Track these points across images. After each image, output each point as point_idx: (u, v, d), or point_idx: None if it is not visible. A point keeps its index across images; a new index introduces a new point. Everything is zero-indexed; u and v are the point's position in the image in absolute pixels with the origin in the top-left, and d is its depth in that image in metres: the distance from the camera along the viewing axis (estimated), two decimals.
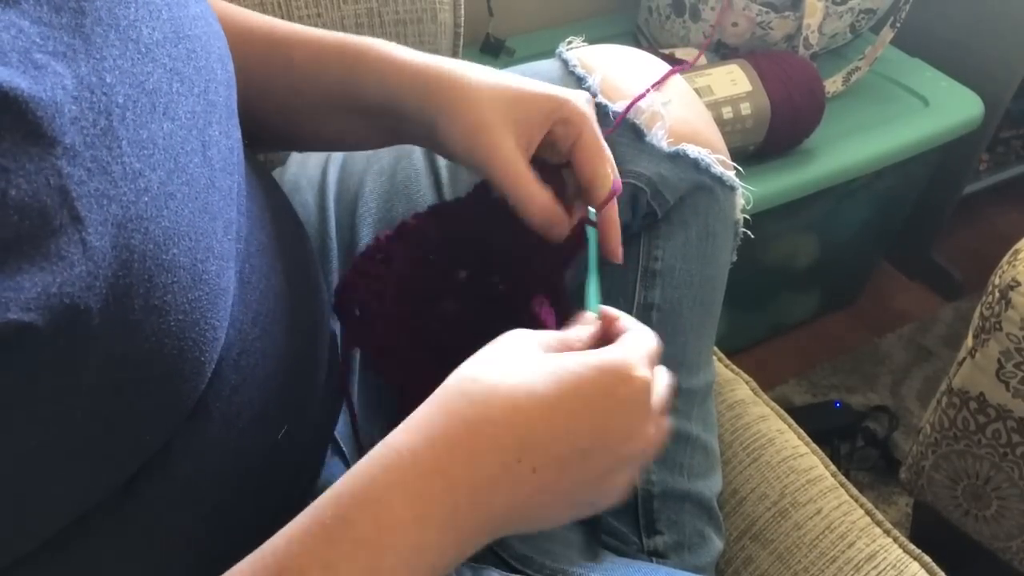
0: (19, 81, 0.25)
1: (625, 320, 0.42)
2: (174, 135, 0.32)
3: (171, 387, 0.31)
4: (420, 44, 0.79)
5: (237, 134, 0.40)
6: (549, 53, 0.62)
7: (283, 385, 0.41)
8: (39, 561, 0.30)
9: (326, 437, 0.52)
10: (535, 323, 0.44)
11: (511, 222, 0.45)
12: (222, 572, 0.33)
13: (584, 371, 0.36)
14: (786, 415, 0.70)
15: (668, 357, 0.57)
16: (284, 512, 0.35)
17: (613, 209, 0.47)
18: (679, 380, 0.58)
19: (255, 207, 0.42)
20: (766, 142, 1.06)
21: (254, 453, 0.39)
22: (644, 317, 0.57)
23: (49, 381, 0.26)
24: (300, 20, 0.73)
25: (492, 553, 0.54)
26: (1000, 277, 0.79)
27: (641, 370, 0.37)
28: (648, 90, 0.56)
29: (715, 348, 0.70)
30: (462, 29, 0.81)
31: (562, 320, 0.44)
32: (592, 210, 0.47)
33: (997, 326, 0.78)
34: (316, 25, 0.74)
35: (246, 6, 0.71)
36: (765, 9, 1.10)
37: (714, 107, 0.99)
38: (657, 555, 0.56)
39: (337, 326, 0.60)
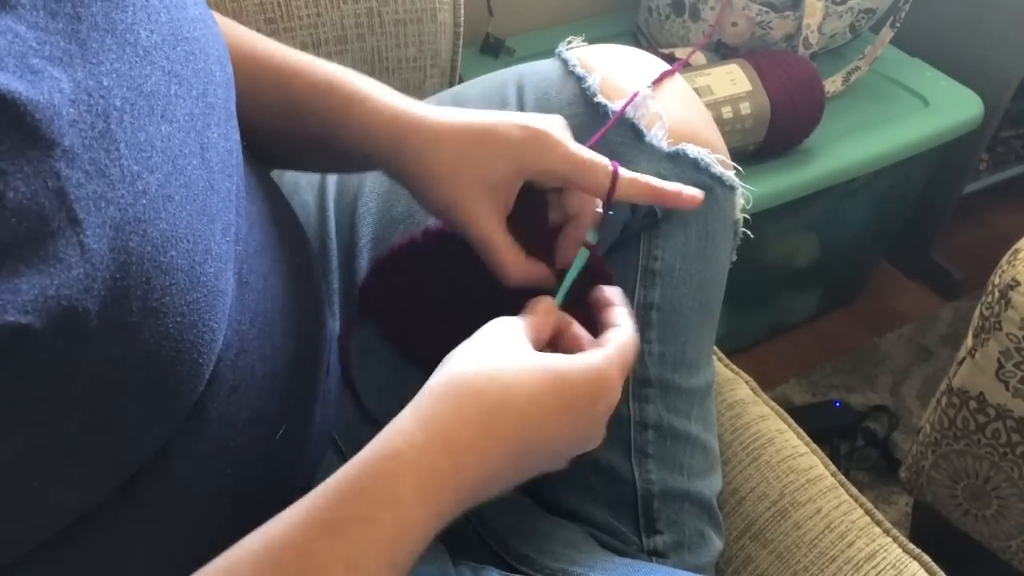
0: (16, 85, 0.25)
1: (616, 315, 0.45)
2: (172, 137, 0.32)
3: (169, 389, 0.31)
4: (420, 44, 0.79)
5: (236, 136, 0.40)
6: (549, 53, 0.62)
7: (281, 385, 0.41)
8: (39, 561, 0.30)
9: (325, 437, 0.52)
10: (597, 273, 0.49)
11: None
12: None
13: (575, 379, 0.40)
14: (786, 415, 0.70)
15: (668, 357, 0.57)
16: (283, 511, 0.35)
17: (634, 180, 0.49)
18: (679, 380, 0.58)
19: (253, 208, 0.42)
20: (766, 142, 1.06)
21: (252, 453, 0.39)
22: (644, 317, 0.57)
23: (47, 383, 0.26)
24: (300, 20, 0.73)
25: (492, 553, 0.54)
26: (1000, 277, 0.79)
27: (617, 385, 0.41)
28: (637, 93, 0.56)
29: (715, 348, 0.70)
30: (462, 29, 0.81)
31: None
32: (591, 233, 0.50)
33: (997, 326, 0.78)
34: (316, 25, 0.74)
35: (246, 6, 0.71)
36: (765, 9, 1.10)
37: (714, 107, 0.99)
38: (657, 555, 0.56)
39: (336, 326, 0.60)
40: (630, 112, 0.56)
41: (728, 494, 0.64)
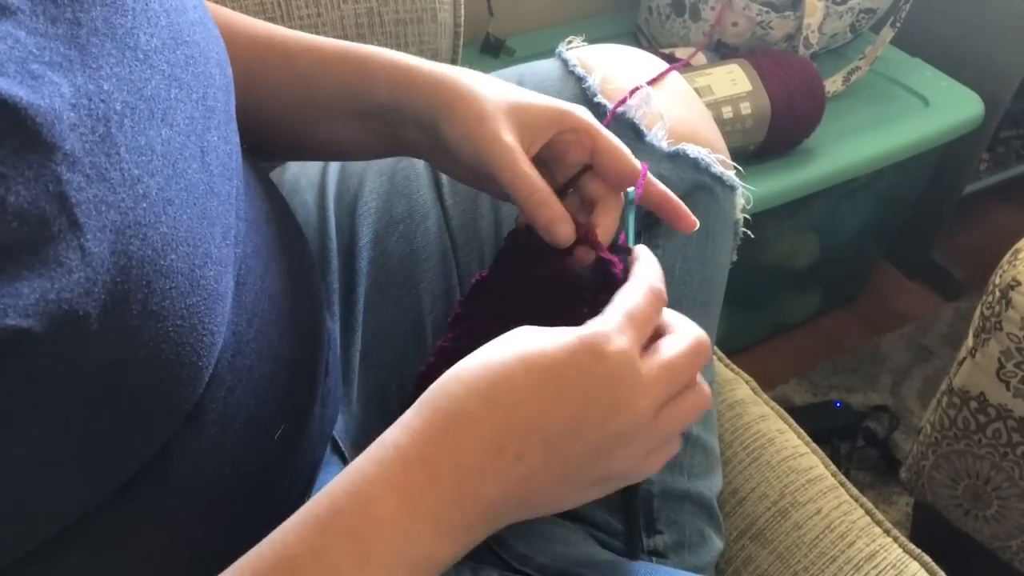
0: (16, 90, 0.25)
1: (637, 266, 0.42)
2: (172, 141, 0.32)
3: (169, 392, 0.31)
4: (420, 44, 0.79)
5: (236, 139, 0.40)
6: (549, 53, 0.62)
7: (279, 386, 0.41)
8: (38, 561, 0.30)
9: (324, 437, 0.52)
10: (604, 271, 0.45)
11: (538, 265, 0.46)
12: (220, 572, 0.33)
13: (557, 352, 0.36)
14: (786, 415, 0.70)
15: None
16: (282, 512, 0.35)
17: (658, 188, 0.47)
18: None
19: (251, 209, 0.42)
20: (766, 142, 1.06)
21: (251, 454, 0.39)
22: None
23: (47, 386, 0.26)
24: (300, 20, 0.73)
25: (492, 553, 0.54)
26: (1000, 277, 0.79)
27: (617, 341, 0.36)
28: (636, 89, 0.56)
29: (715, 348, 0.70)
30: (462, 29, 0.81)
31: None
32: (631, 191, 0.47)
33: (997, 326, 0.78)
34: (316, 25, 0.74)
35: (246, 5, 0.71)
36: (765, 9, 1.10)
37: (714, 107, 0.99)
38: (657, 555, 0.56)
39: (337, 327, 0.60)
40: (631, 112, 0.56)
41: (728, 494, 0.64)
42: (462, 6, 0.80)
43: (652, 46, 1.22)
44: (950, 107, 1.21)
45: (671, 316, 0.42)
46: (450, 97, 0.45)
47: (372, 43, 0.77)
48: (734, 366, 0.75)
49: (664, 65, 0.60)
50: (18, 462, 0.27)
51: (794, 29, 1.12)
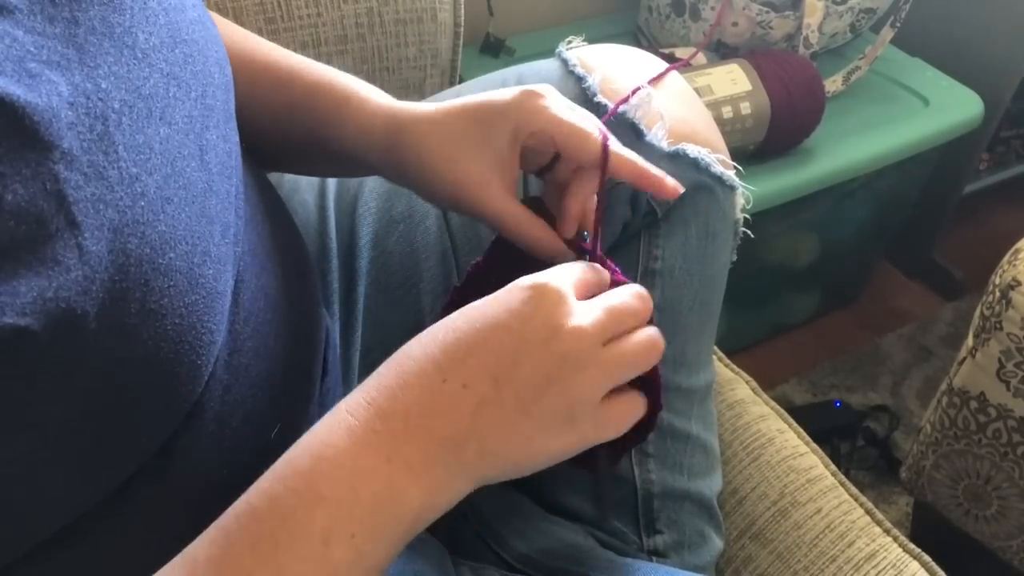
0: (14, 89, 0.25)
1: None
2: (171, 139, 0.32)
3: (167, 390, 0.31)
4: (420, 44, 0.79)
5: (235, 137, 0.40)
6: (549, 53, 0.62)
7: (275, 384, 0.41)
8: (37, 560, 0.30)
9: None
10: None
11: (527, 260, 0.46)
12: None
13: (491, 297, 0.38)
14: (786, 415, 0.70)
15: (668, 357, 0.57)
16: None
17: (623, 156, 0.46)
18: (679, 380, 0.58)
19: (249, 207, 0.42)
20: (766, 142, 1.06)
21: (248, 452, 0.39)
22: None
23: (45, 385, 0.26)
24: (300, 20, 0.73)
25: (492, 553, 0.54)
26: (1000, 277, 0.79)
27: (543, 279, 0.38)
28: (638, 88, 0.56)
29: (715, 348, 0.70)
30: (462, 29, 0.81)
31: None
32: (585, 233, 0.48)
33: (998, 325, 0.78)
34: (316, 25, 0.74)
35: (246, 5, 0.71)
36: (765, 9, 1.10)
37: (714, 107, 0.99)
38: (657, 554, 0.56)
39: (336, 327, 0.60)
40: (631, 111, 0.56)
41: (728, 494, 0.64)
42: (462, 6, 0.80)
43: (652, 46, 1.22)
44: (950, 107, 1.21)
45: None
46: (420, 163, 0.46)
47: (372, 43, 0.77)
48: (734, 366, 0.75)
49: (664, 65, 0.60)
50: (16, 462, 0.27)
51: (794, 29, 1.12)
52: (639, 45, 1.20)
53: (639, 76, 0.58)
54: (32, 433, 0.27)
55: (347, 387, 0.58)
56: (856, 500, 0.64)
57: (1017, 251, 0.79)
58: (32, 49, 0.27)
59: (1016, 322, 0.76)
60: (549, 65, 0.61)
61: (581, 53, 0.60)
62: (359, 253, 0.60)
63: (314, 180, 0.64)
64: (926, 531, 1.07)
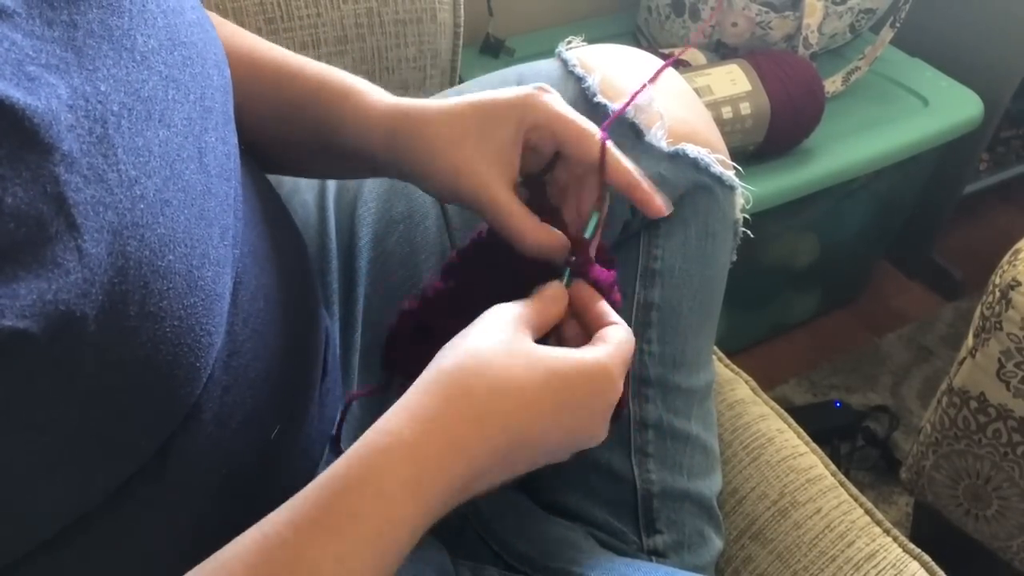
0: (13, 92, 0.25)
1: (608, 311, 0.44)
2: (170, 142, 0.32)
3: (166, 392, 0.31)
4: (420, 44, 0.79)
5: (234, 139, 0.40)
6: (549, 53, 0.62)
7: (275, 385, 0.41)
8: (37, 561, 0.30)
9: (323, 436, 0.52)
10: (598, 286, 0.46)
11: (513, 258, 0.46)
12: None
13: (571, 375, 0.39)
14: (786, 415, 0.70)
15: (668, 357, 0.57)
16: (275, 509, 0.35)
17: (619, 162, 0.46)
18: (679, 380, 0.58)
19: (248, 209, 0.42)
20: (766, 142, 1.06)
21: (247, 453, 0.39)
22: (644, 317, 0.57)
23: (45, 387, 0.26)
24: (300, 20, 0.73)
25: (492, 553, 0.54)
26: (1000, 277, 0.79)
27: (619, 382, 0.41)
28: (643, 87, 0.56)
29: (715, 348, 0.70)
30: (462, 29, 0.81)
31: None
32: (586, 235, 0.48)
33: (997, 326, 0.78)
34: (316, 25, 0.74)
35: (246, 5, 0.71)
36: (765, 9, 1.10)
37: (714, 107, 0.99)
38: (657, 554, 0.56)
39: (336, 327, 0.60)
40: (631, 112, 0.56)
41: (728, 494, 0.64)
42: (462, 6, 0.80)
43: (652, 46, 1.22)
44: (950, 107, 1.21)
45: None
46: (418, 154, 0.46)
47: (372, 43, 0.77)
48: (734, 366, 0.75)
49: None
50: (16, 462, 0.27)
51: (794, 29, 1.12)
52: (639, 45, 1.20)
53: (639, 76, 0.58)
54: (32, 434, 0.27)
55: (347, 387, 0.58)
56: (856, 500, 0.64)
57: (1017, 251, 0.79)
58: (31, 53, 0.27)
59: (1016, 322, 0.76)
60: (549, 65, 0.61)
61: (581, 53, 0.60)
62: (359, 253, 0.60)
63: (314, 180, 0.64)
64: (926, 531, 1.07)
